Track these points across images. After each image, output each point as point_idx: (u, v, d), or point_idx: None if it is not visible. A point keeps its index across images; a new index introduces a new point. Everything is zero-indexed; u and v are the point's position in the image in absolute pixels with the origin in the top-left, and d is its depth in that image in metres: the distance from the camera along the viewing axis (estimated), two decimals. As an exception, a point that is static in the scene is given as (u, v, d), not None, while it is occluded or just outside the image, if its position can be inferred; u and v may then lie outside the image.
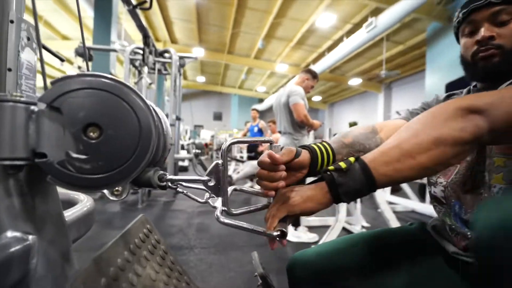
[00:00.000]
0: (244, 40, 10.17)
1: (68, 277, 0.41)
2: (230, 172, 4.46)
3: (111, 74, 4.01)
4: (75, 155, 0.35)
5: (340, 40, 8.83)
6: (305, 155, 0.53)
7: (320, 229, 2.37)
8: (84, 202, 0.55)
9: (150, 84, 3.40)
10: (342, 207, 2.12)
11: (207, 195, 0.50)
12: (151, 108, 0.43)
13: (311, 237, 2.16)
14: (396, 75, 10.26)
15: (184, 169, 6.95)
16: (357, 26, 7.88)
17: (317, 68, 9.92)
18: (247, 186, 4.78)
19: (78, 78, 0.36)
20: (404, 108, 8.02)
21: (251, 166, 3.72)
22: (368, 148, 0.62)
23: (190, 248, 1.94)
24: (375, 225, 2.57)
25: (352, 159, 0.43)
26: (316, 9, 7.54)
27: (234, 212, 0.49)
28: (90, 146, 0.36)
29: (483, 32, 0.59)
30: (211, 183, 0.50)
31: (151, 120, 0.41)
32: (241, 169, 4.00)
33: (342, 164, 0.42)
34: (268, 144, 0.51)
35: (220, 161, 0.47)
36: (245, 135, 4.97)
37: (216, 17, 8.64)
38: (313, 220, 2.56)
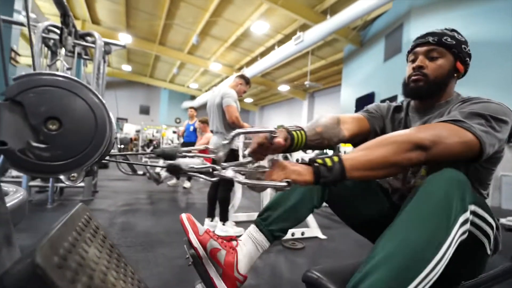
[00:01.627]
0: (178, 33, 9.82)
1: (11, 258, 0.43)
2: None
3: (12, 50, 3.37)
4: (35, 144, 0.38)
5: (272, 48, 9.40)
6: (287, 141, 0.72)
7: (247, 224, 2.56)
8: (17, 192, 0.55)
9: (68, 69, 3.03)
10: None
11: (216, 173, 0.61)
12: (105, 106, 0.48)
13: (237, 231, 2.32)
14: (317, 86, 11.50)
15: (104, 166, 6.32)
16: (287, 37, 8.55)
17: (249, 71, 10.32)
18: (171, 182, 4.67)
19: (39, 77, 0.39)
20: (323, 116, 8.97)
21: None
22: (333, 138, 0.83)
23: (113, 247, 1.86)
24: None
25: (336, 158, 0.58)
26: (251, 15, 7.87)
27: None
28: (50, 136, 0.40)
29: (418, 61, 0.82)
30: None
31: (106, 117, 0.47)
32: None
33: (328, 162, 0.58)
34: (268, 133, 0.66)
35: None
36: (182, 134, 5.03)
37: (147, 3, 8.11)
38: (241, 216, 2.74)
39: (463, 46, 0.81)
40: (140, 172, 3.50)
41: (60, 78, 0.41)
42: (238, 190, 2.60)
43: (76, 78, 0.42)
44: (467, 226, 0.58)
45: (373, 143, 0.62)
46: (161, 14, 8.51)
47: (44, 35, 3.05)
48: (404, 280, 0.48)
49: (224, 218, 2.27)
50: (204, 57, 11.78)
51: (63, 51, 3.00)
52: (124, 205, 3.14)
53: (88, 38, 3.41)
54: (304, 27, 7.61)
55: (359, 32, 8.20)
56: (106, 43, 3.47)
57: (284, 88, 13.36)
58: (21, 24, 3.15)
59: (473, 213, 0.63)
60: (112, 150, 3.39)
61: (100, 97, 0.47)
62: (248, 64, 11.28)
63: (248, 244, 0.80)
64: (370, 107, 0.98)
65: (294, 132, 0.74)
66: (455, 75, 0.83)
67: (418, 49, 0.83)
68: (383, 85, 6.88)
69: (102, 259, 0.52)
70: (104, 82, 3.61)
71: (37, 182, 2.92)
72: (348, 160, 0.58)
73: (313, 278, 0.74)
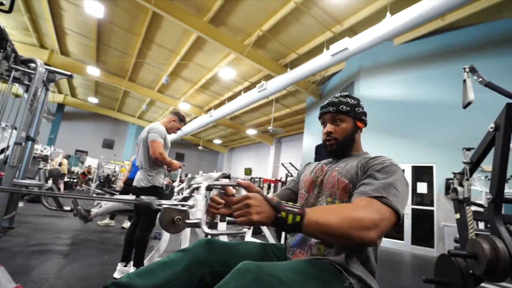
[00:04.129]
0: (149, 71, 10.01)
1: None
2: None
3: None
4: None
5: (239, 93, 9.83)
6: None
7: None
8: None
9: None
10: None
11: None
12: None
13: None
14: (280, 132, 11.94)
15: (36, 200, 5.69)
16: (253, 85, 9.03)
17: (218, 113, 10.55)
18: (103, 222, 4.29)
19: None
20: (289, 160, 9.12)
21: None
22: None
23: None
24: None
25: (298, 218, 0.63)
26: (220, 62, 8.33)
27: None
28: None
29: (327, 128, 0.98)
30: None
31: None
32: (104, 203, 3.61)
33: (290, 220, 0.63)
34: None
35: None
36: (129, 170, 4.76)
37: (119, 42, 8.32)
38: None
39: (356, 108, 0.98)
40: (67, 208, 3.17)
41: None
42: (165, 232, 2.42)
43: None
44: None
45: (332, 211, 0.68)
46: (132, 52, 8.72)
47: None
48: None
49: (138, 263, 2.05)
50: (174, 97, 11.95)
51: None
52: (36, 244, 2.76)
53: (31, 65, 3.34)
54: (268, 77, 8.13)
55: (318, 86, 8.92)
56: (51, 71, 3.40)
57: (252, 132, 13.69)
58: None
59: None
60: (37, 182, 3.05)
61: None
62: (217, 106, 11.58)
63: None
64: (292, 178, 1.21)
65: None
66: (358, 131, 1.00)
67: (324, 116, 1.01)
68: (338, 135, 7.31)
69: None
70: (42, 109, 3.43)
71: None
72: (307, 220, 0.63)
73: None
